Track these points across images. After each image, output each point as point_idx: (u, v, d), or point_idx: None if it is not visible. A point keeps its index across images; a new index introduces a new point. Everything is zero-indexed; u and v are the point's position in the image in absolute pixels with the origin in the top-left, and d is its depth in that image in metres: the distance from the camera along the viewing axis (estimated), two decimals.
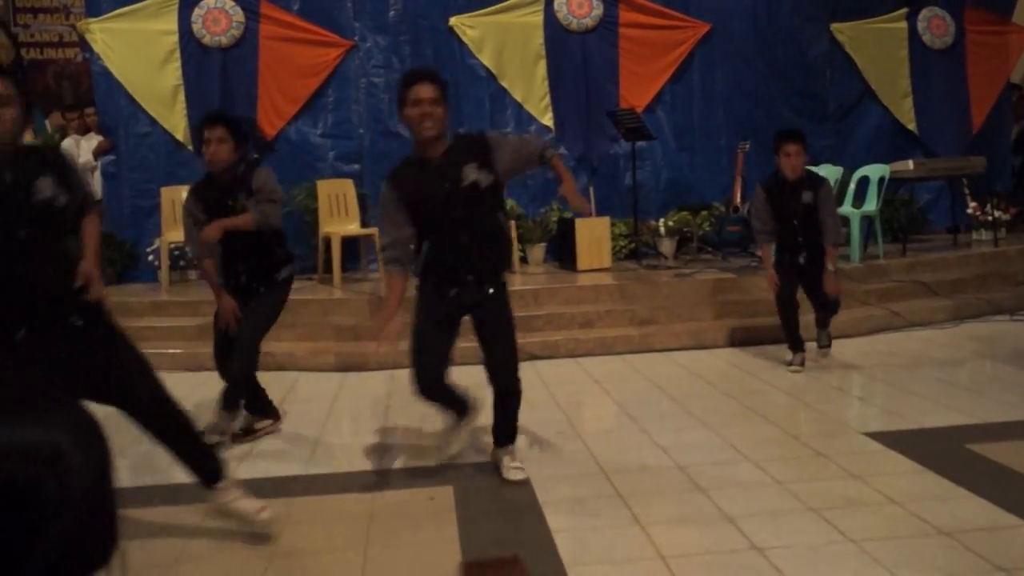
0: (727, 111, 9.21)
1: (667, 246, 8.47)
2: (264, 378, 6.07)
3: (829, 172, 7.67)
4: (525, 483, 3.84)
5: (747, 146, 8.19)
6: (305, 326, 6.82)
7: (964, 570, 2.81)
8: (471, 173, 3.63)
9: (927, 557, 2.91)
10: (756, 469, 3.85)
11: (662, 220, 8.56)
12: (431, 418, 5.05)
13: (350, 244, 8.23)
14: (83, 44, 9.28)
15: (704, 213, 8.55)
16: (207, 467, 3.28)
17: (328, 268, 7.92)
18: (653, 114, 9.05)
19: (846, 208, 7.95)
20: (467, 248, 3.72)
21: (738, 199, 8.15)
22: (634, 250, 8.44)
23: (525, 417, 4.91)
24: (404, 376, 6.09)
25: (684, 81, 9.23)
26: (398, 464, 4.34)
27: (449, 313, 3.84)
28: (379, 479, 4.07)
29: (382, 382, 5.97)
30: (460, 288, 3.79)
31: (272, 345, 6.56)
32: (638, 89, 9.09)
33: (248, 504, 3.32)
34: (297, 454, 4.48)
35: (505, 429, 4.00)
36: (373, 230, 8.12)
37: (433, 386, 3.85)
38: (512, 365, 3.87)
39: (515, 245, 8.18)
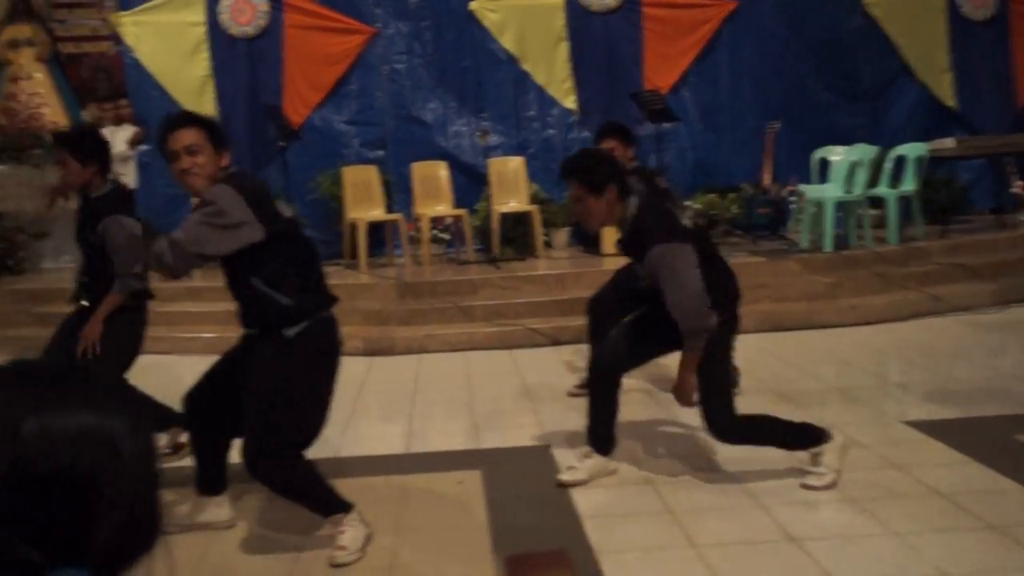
0: (755, 90, 9.04)
1: None
2: None
3: (864, 151, 7.50)
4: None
5: (777, 126, 8.04)
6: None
7: (1019, 567, 2.70)
8: None
9: (976, 552, 2.80)
10: (791, 457, 3.72)
11: (689, 203, 8.44)
12: (457, 402, 5.03)
13: (375, 229, 8.20)
14: (116, 37, 9.39)
15: (732, 195, 8.41)
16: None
17: (354, 254, 7.90)
18: (678, 95, 8.90)
19: (882, 188, 7.78)
20: None
21: (767, 180, 8.01)
22: None
23: (550, 403, 4.88)
24: (431, 360, 6.15)
25: (710, 60, 9.06)
26: (427, 448, 4.30)
27: None
28: (408, 463, 4.03)
29: (410, 366, 5.94)
30: None
31: None
32: (663, 70, 8.95)
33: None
34: (327, 438, 4.41)
35: (783, 447, 3.55)
36: (398, 215, 8.10)
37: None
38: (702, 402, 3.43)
39: (539, 229, 8.12)
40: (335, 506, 3.06)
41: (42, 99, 9.42)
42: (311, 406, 3.04)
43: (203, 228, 2.86)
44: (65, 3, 11.61)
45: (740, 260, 7.17)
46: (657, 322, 3.43)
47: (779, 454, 3.71)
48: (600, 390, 3.64)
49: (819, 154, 8.11)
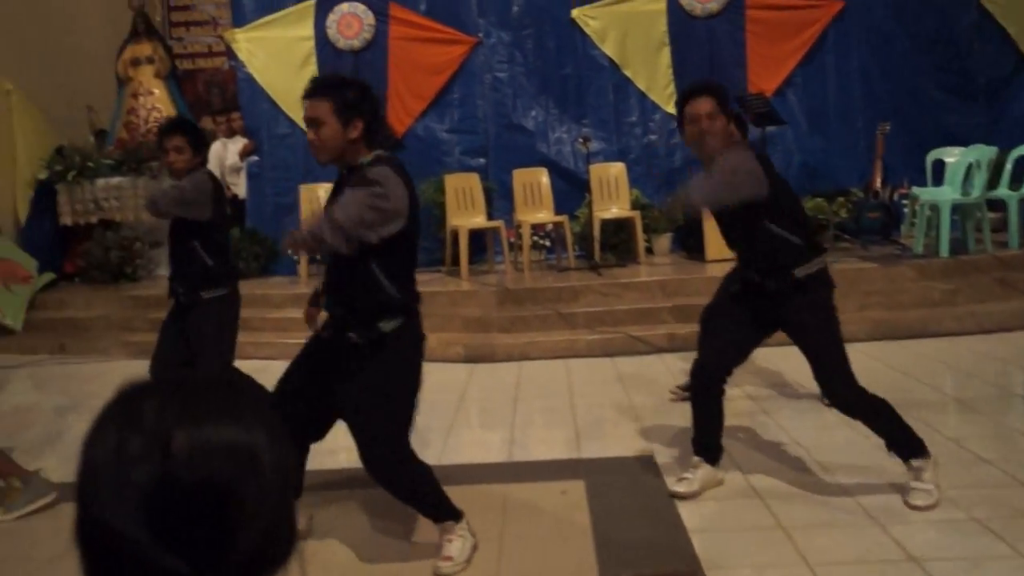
0: (864, 91, 8.76)
1: None
2: None
3: (982, 152, 7.17)
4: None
5: (887, 127, 7.76)
6: (434, 317, 6.85)
7: None
8: None
9: None
10: (907, 471, 3.59)
11: None
12: (559, 410, 5.02)
13: (476, 237, 8.28)
14: (230, 53, 9.81)
15: (841, 199, 8.16)
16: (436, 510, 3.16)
17: (455, 260, 7.99)
18: (784, 97, 8.70)
19: (1002, 190, 7.42)
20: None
21: (878, 183, 7.74)
22: None
23: (653, 412, 4.82)
24: (532, 367, 6.15)
25: (817, 62, 8.82)
26: (528, 456, 4.30)
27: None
28: (510, 471, 4.05)
29: (511, 373, 5.97)
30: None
31: None
32: (767, 72, 8.77)
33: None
34: (429, 445, 4.49)
35: (889, 441, 3.42)
36: (499, 222, 8.15)
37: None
38: (823, 376, 3.43)
39: (640, 235, 8.05)
40: (448, 513, 3.07)
41: (160, 114, 9.84)
42: (411, 403, 3.02)
43: (369, 212, 2.77)
44: (182, 22, 12.24)
45: (851, 265, 6.96)
46: (745, 307, 3.50)
47: (894, 467, 3.58)
48: (704, 398, 3.59)
49: (934, 155, 7.80)
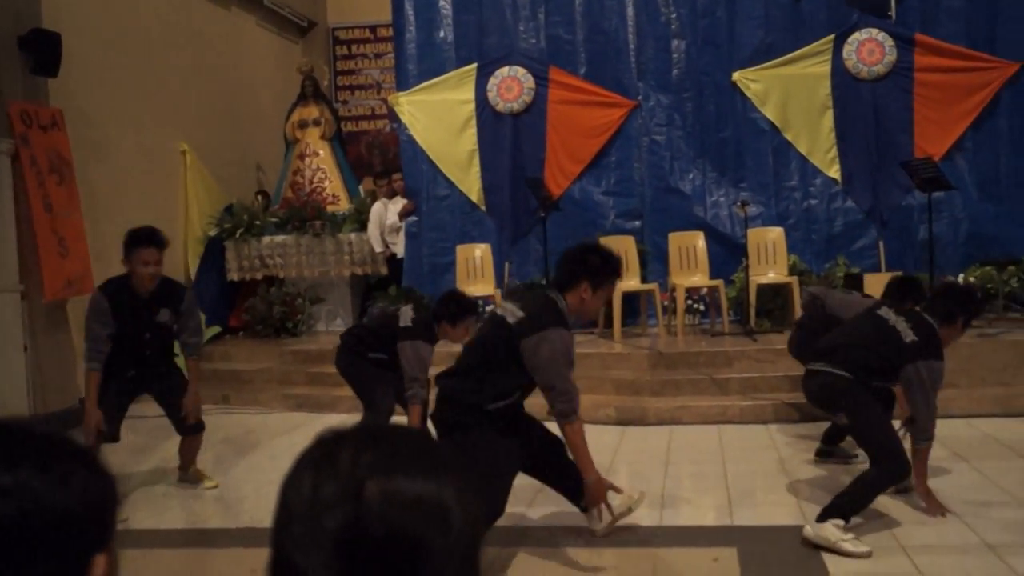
0: None
1: None
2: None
3: None
4: (815, 551, 3.67)
5: None
6: (586, 379, 6.95)
7: None
8: None
9: None
10: None
11: (961, 276, 7.91)
12: (710, 476, 5.02)
13: (630, 299, 8.36)
14: (392, 116, 10.18)
15: (1012, 268, 7.79)
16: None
17: (608, 323, 8.09)
18: (952, 163, 8.40)
19: None
20: None
21: None
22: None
23: (807, 481, 4.75)
24: (683, 432, 6.15)
25: (988, 126, 8.51)
26: (678, 521, 4.33)
27: None
28: (661, 535, 4.09)
29: (661, 437, 5.99)
30: None
31: None
32: (935, 137, 8.53)
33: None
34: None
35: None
36: (653, 285, 8.23)
37: None
38: None
39: (798, 301, 7.91)
40: None
41: (324, 175, 10.17)
42: None
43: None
44: (348, 86, 13.00)
45: (1020, 337, 6.65)
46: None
47: None
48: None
49: None
